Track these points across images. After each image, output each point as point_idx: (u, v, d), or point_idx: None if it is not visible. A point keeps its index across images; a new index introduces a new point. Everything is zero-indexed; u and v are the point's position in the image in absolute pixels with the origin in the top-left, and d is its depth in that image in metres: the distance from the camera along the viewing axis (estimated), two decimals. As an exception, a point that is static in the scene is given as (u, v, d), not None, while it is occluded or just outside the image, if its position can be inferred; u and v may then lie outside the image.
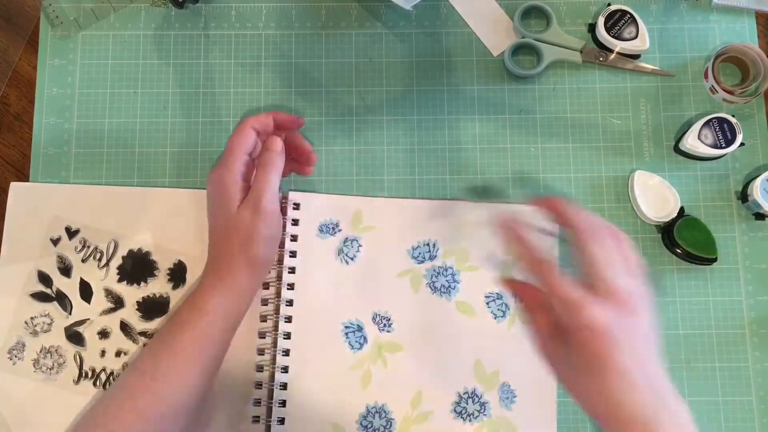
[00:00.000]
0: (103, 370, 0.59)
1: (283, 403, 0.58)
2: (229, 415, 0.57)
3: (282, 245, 0.60)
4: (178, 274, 0.60)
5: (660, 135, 0.63)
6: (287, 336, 0.59)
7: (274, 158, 0.55)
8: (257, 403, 0.58)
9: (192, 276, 0.60)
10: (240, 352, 0.58)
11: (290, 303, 0.59)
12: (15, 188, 0.61)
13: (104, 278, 0.60)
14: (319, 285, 0.60)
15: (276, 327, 0.59)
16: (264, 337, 0.59)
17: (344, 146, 0.63)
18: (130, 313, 0.60)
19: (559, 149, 0.63)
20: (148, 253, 0.60)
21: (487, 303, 0.60)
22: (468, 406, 0.58)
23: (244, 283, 0.54)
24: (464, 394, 0.58)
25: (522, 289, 0.52)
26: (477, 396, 0.58)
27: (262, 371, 0.58)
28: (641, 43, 0.63)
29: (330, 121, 0.63)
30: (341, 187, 0.62)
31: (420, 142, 0.63)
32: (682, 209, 0.60)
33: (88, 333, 0.59)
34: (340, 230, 0.61)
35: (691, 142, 0.60)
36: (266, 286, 0.60)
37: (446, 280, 0.60)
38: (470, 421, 0.58)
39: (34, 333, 0.59)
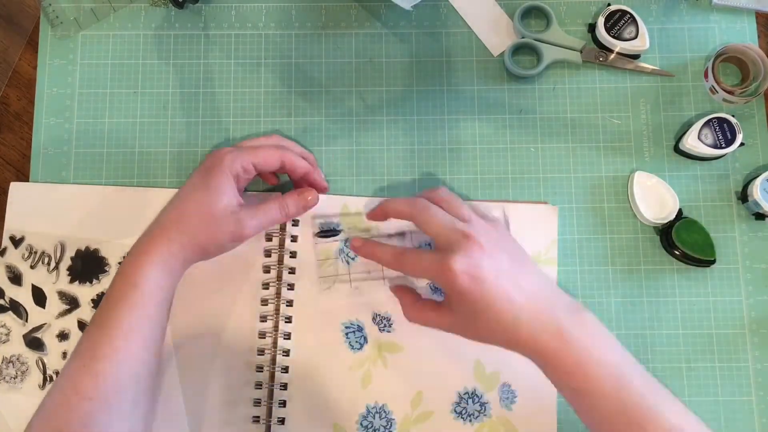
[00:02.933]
0: None
1: (283, 403, 0.58)
2: (229, 415, 0.57)
3: (282, 245, 0.60)
4: None
5: (660, 135, 0.63)
6: (287, 336, 0.59)
7: (299, 212, 0.58)
8: (257, 403, 0.58)
9: None
10: (240, 352, 0.58)
11: (290, 303, 0.59)
12: (14, 188, 0.61)
13: (56, 281, 0.60)
14: (319, 285, 0.60)
15: (276, 327, 0.59)
16: (264, 337, 0.59)
17: (344, 146, 0.63)
18: (86, 312, 0.60)
19: (559, 149, 0.63)
20: (96, 251, 0.60)
21: (487, 303, 0.60)
22: (468, 406, 0.58)
23: (177, 264, 0.53)
24: (464, 394, 0.58)
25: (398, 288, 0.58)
26: (477, 396, 0.58)
27: (262, 371, 0.58)
28: (641, 43, 0.63)
29: (330, 121, 0.63)
30: (341, 187, 0.62)
31: (420, 142, 0.63)
32: (680, 211, 0.60)
33: (48, 337, 0.59)
34: (340, 230, 0.61)
35: (691, 142, 0.60)
36: (266, 285, 0.60)
37: (446, 280, 0.60)
38: (470, 421, 0.58)
39: None
